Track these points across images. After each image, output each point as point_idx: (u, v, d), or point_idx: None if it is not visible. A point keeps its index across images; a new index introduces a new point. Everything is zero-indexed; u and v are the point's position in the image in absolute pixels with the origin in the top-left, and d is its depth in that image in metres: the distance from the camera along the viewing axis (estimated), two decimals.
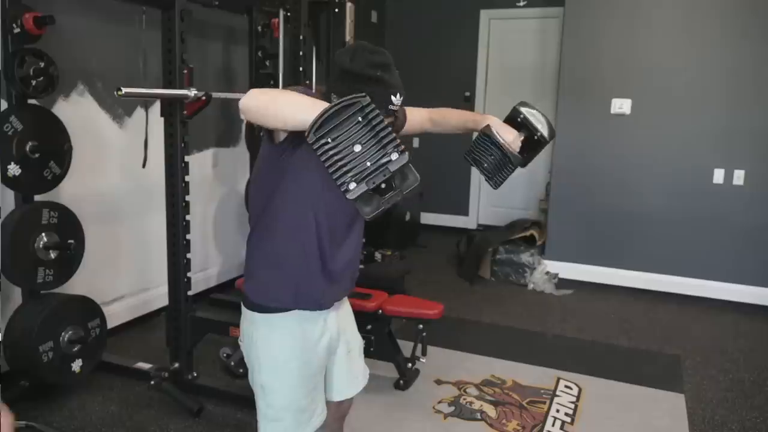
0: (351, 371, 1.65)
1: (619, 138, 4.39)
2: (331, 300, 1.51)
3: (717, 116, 4.15)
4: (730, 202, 4.17)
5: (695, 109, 4.20)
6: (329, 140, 1.02)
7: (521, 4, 5.67)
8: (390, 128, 1.03)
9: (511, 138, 1.61)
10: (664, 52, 4.22)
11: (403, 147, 1.02)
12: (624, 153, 4.40)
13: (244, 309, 1.51)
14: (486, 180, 1.62)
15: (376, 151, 1.02)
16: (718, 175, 4.18)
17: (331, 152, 1.02)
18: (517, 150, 1.60)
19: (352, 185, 1.03)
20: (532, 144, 1.67)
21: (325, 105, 1.06)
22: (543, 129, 1.65)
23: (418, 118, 1.73)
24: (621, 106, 4.35)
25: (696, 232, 4.27)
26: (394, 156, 1.02)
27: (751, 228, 4.14)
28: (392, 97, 1.36)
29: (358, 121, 1.01)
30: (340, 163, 1.02)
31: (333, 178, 1.03)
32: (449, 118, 1.78)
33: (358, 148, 1.02)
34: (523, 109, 1.64)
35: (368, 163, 1.02)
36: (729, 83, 4.11)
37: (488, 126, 1.61)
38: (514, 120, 1.65)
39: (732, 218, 4.17)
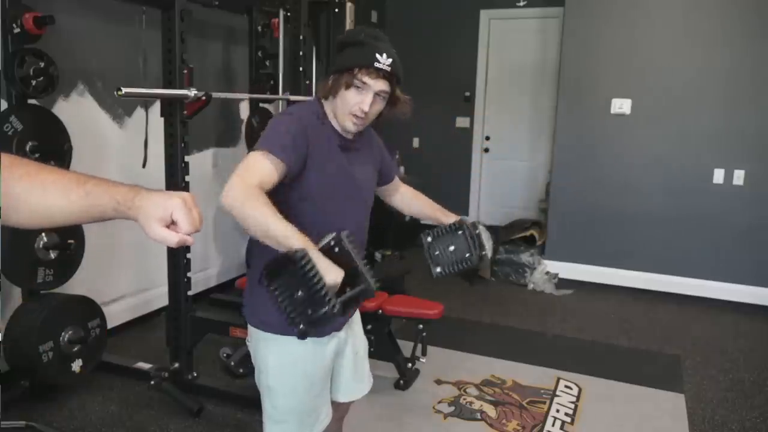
0: (357, 373, 1.65)
1: (619, 138, 4.39)
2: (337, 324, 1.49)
3: (717, 116, 4.16)
4: (730, 202, 4.17)
5: (695, 109, 4.20)
6: (275, 287, 1.13)
7: (521, 4, 5.67)
8: (322, 283, 1.09)
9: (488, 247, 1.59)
10: (664, 52, 4.22)
11: (334, 302, 1.09)
12: (624, 153, 4.40)
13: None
14: (432, 263, 1.54)
15: (313, 302, 1.10)
16: (718, 175, 4.18)
17: (278, 297, 1.13)
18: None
19: (301, 326, 1.12)
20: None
21: (282, 233, 1.16)
22: (489, 249, 1.61)
23: (398, 181, 1.74)
24: (621, 106, 4.35)
25: (696, 232, 4.27)
26: (327, 309, 1.09)
27: (751, 228, 4.14)
28: (377, 55, 1.37)
29: (296, 274, 1.09)
30: (287, 309, 1.12)
31: (284, 317, 1.13)
32: (419, 197, 1.76)
33: (300, 294, 1.10)
34: (480, 226, 1.60)
35: (309, 311, 1.10)
36: (729, 83, 4.11)
37: (464, 219, 1.59)
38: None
39: (732, 218, 4.17)
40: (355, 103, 1.38)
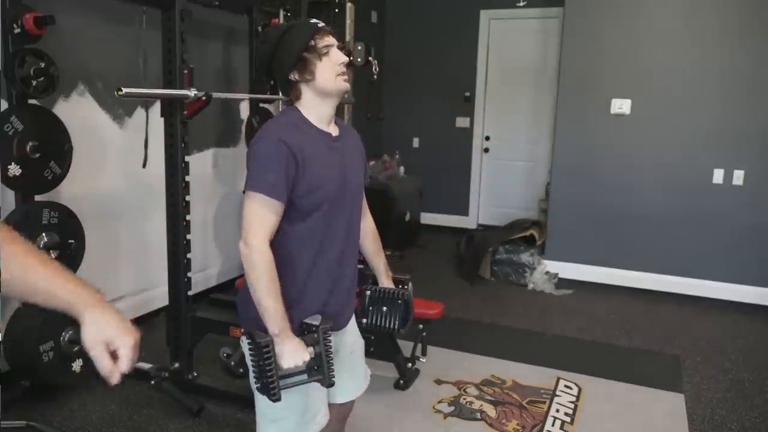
0: (354, 372, 1.65)
1: (619, 138, 4.39)
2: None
3: (717, 116, 4.16)
4: (730, 202, 4.17)
5: (695, 109, 4.20)
6: (250, 350, 1.39)
7: (521, 4, 5.67)
8: (273, 377, 1.35)
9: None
10: (664, 52, 4.22)
11: (277, 395, 1.35)
12: (624, 153, 4.40)
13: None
14: (363, 314, 1.75)
15: (264, 383, 1.37)
16: (718, 175, 4.18)
17: (251, 358, 1.40)
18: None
19: (257, 386, 1.41)
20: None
21: (273, 314, 1.38)
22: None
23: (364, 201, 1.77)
24: (621, 106, 4.35)
25: (696, 232, 4.27)
26: (270, 395, 1.36)
27: (751, 228, 4.14)
28: (311, 21, 1.48)
29: (260, 357, 1.36)
30: (252, 370, 1.41)
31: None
32: (376, 240, 1.79)
33: (258, 369, 1.38)
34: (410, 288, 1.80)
35: (262, 383, 1.38)
36: (729, 83, 4.11)
37: (410, 292, 1.75)
38: (397, 285, 1.79)
39: (732, 218, 4.17)
40: (334, 63, 1.45)
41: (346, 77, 1.48)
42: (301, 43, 1.43)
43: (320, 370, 1.40)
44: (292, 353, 1.35)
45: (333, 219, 1.47)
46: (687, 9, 4.16)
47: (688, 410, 2.73)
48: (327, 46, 1.45)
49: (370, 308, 1.73)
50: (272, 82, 3.71)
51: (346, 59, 1.48)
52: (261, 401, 1.50)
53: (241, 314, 1.53)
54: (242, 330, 1.49)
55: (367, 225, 1.74)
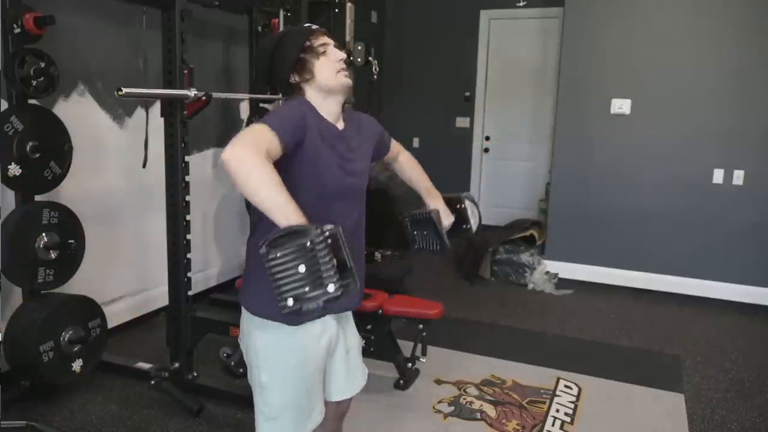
0: (350, 371, 1.65)
1: (619, 138, 4.39)
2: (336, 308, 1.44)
3: (717, 116, 4.15)
4: (730, 202, 4.17)
5: (695, 109, 4.20)
6: (278, 255, 1.09)
7: (521, 4, 5.67)
8: (332, 262, 1.08)
9: (447, 224, 1.80)
10: (664, 52, 4.22)
11: (340, 283, 1.08)
12: (624, 153, 4.40)
13: (243, 308, 1.51)
14: (416, 244, 1.84)
15: (313, 280, 1.08)
16: (718, 175, 4.18)
17: (276, 268, 1.09)
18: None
19: (290, 302, 1.09)
20: (457, 230, 1.87)
21: (284, 206, 1.15)
22: (474, 224, 1.88)
23: (396, 148, 1.82)
24: (621, 106, 4.35)
25: (696, 232, 4.28)
26: (331, 288, 1.08)
27: (750, 228, 4.14)
28: (305, 25, 1.51)
29: (306, 247, 1.08)
30: (282, 281, 1.09)
31: (275, 290, 1.10)
32: (413, 170, 1.86)
33: (301, 270, 1.08)
34: (467, 201, 1.87)
35: (306, 288, 1.08)
36: (728, 83, 4.11)
37: (436, 212, 1.78)
38: (453, 204, 1.86)
39: (732, 218, 4.18)
40: (333, 60, 1.47)
41: (346, 73, 1.49)
42: (298, 44, 1.45)
43: (347, 274, 1.13)
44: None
45: (339, 213, 1.44)
46: (687, 9, 4.15)
47: (688, 410, 2.73)
48: (323, 44, 1.47)
49: (414, 233, 1.81)
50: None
51: (344, 56, 1.49)
52: (259, 399, 1.50)
53: (244, 299, 1.51)
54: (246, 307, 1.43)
55: (404, 161, 1.84)
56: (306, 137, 1.38)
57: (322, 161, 1.42)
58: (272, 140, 1.26)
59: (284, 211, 1.14)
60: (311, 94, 1.47)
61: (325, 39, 1.49)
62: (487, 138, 6.13)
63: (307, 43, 1.46)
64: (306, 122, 1.39)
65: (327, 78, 1.46)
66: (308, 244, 1.07)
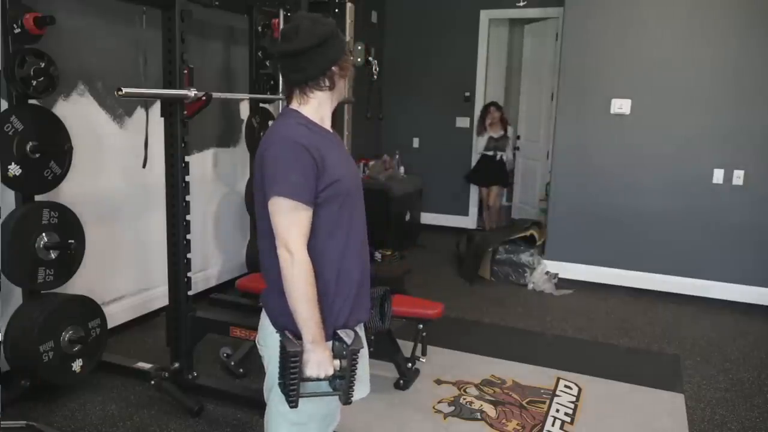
0: (359, 375, 1.65)
1: (619, 138, 4.39)
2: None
3: (717, 116, 4.16)
4: (730, 202, 4.17)
5: (695, 109, 4.20)
6: (279, 363, 1.39)
7: (521, 4, 5.67)
8: (294, 387, 1.36)
9: None
10: (664, 52, 4.22)
11: (294, 403, 1.37)
12: (624, 153, 4.40)
13: (269, 319, 1.50)
14: None
15: (286, 388, 1.38)
16: (718, 175, 4.18)
17: (279, 370, 1.40)
18: None
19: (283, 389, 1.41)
20: None
21: (315, 326, 1.38)
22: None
23: None
24: (621, 106, 4.35)
25: (696, 232, 4.28)
26: (288, 401, 1.38)
27: (750, 228, 4.14)
28: (345, 41, 1.52)
29: (286, 364, 1.36)
30: (281, 379, 1.39)
31: (285, 387, 1.39)
32: None
33: (288, 378, 1.37)
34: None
35: (289, 393, 1.39)
36: (728, 83, 4.11)
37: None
38: None
39: (732, 218, 4.18)
40: (344, 87, 1.52)
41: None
42: (338, 53, 1.45)
43: (342, 386, 1.42)
44: (318, 364, 1.37)
45: (354, 210, 1.47)
46: (687, 9, 4.15)
47: (688, 410, 2.73)
48: (349, 68, 1.50)
49: None
50: (272, 82, 3.73)
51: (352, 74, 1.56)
52: (282, 406, 1.48)
53: (273, 313, 1.50)
54: (276, 329, 1.47)
55: None
56: (317, 162, 1.37)
57: (335, 164, 1.42)
58: (310, 214, 1.38)
59: (312, 331, 1.36)
60: (317, 99, 1.46)
61: (350, 63, 1.52)
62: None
63: (341, 59, 1.45)
64: (312, 154, 1.37)
65: (340, 96, 1.51)
66: (286, 363, 1.35)
